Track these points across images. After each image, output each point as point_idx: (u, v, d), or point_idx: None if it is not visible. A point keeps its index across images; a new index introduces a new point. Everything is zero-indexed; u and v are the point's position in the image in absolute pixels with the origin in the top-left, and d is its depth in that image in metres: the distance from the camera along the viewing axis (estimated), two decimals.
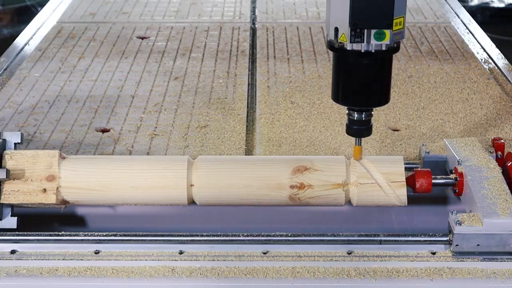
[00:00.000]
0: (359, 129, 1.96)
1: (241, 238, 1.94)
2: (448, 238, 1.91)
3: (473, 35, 3.45)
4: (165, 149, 2.38)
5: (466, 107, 2.68)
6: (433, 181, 2.02)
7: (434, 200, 2.16)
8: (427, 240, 1.93)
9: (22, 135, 2.06)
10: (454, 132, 2.49)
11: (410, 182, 2.01)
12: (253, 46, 3.32)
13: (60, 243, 1.94)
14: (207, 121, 2.58)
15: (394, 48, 1.86)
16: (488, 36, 3.44)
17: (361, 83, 1.89)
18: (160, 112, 2.65)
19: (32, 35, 3.45)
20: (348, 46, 1.83)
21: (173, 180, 1.98)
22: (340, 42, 1.84)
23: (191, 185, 1.98)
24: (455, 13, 3.75)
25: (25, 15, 5.51)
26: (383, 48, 1.83)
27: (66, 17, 3.69)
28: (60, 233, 1.96)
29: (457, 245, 1.88)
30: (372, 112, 1.95)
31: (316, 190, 1.97)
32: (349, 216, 2.15)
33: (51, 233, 1.96)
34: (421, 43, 3.34)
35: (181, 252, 1.91)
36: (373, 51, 1.83)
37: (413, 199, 2.08)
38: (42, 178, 1.97)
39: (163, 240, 1.94)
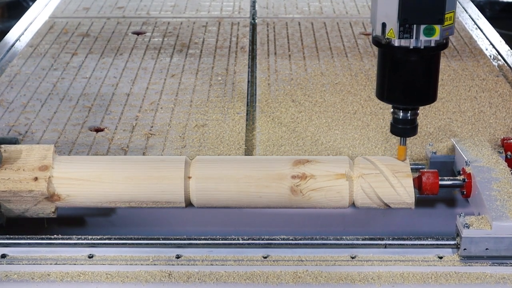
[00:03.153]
0: (404, 128, 1.96)
1: (241, 241, 1.94)
2: (455, 241, 1.91)
3: (481, 30, 3.45)
4: (161, 149, 2.39)
5: (474, 106, 2.68)
6: (440, 182, 2.02)
7: (441, 202, 2.17)
8: (433, 244, 1.93)
9: (17, 140, 2.09)
10: (462, 131, 2.49)
11: (416, 183, 2.01)
12: (253, 42, 3.33)
13: (52, 247, 1.94)
14: (205, 120, 2.58)
15: (443, 44, 1.85)
16: (497, 31, 3.44)
17: (408, 80, 1.88)
18: (157, 111, 2.66)
19: (23, 31, 3.45)
20: (396, 42, 1.83)
21: (170, 186, 1.98)
22: (388, 38, 1.84)
23: (188, 189, 1.99)
24: (463, 7, 3.75)
25: (16, 9, 5.51)
26: (432, 44, 1.83)
27: (59, 12, 3.69)
28: (52, 237, 1.96)
29: (465, 249, 1.88)
30: (418, 111, 1.95)
31: (318, 180, 1.97)
32: (352, 219, 2.15)
33: (43, 236, 1.96)
34: None
35: (178, 256, 1.91)
36: (422, 47, 1.83)
37: (419, 201, 2.08)
38: (35, 168, 1.99)
39: (159, 243, 1.95)
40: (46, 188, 1.96)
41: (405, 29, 1.81)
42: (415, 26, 1.80)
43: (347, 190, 1.97)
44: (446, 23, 1.81)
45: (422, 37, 1.81)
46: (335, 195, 1.98)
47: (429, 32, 1.81)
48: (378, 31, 1.84)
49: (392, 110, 1.96)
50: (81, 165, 2.01)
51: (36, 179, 1.97)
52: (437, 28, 1.80)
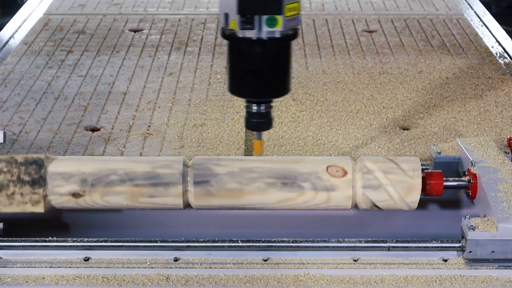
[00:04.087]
0: (258, 122, 1.96)
1: (240, 244, 1.94)
2: (460, 244, 1.91)
3: (487, 27, 3.45)
4: (159, 150, 2.39)
5: (480, 105, 2.68)
6: (445, 183, 2.02)
7: (446, 204, 2.16)
8: (438, 247, 1.93)
9: (5, 134, 2.05)
10: (467, 131, 2.49)
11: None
12: None
13: (47, 250, 1.94)
14: (204, 120, 2.58)
15: (290, 36, 1.85)
16: (504, 29, 3.44)
17: (256, 72, 1.89)
18: (154, 110, 2.66)
19: (17, 28, 3.46)
20: (240, 34, 1.84)
21: (167, 188, 1.97)
22: (231, 29, 1.84)
23: (186, 190, 1.99)
24: (468, 4, 3.75)
25: (10, 6, 5.50)
26: (277, 36, 1.83)
27: (54, 8, 3.69)
28: (47, 239, 1.96)
29: (470, 251, 1.88)
30: (272, 104, 1.95)
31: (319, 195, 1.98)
32: (355, 221, 2.15)
33: (38, 239, 1.96)
34: (432, 36, 3.34)
35: (176, 259, 1.91)
36: (265, 38, 1.83)
37: (423, 203, 2.08)
38: (28, 183, 1.96)
39: (157, 246, 1.94)
40: (43, 207, 1.96)
41: (246, 20, 1.81)
42: (257, 16, 1.80)
43: (350, 203, 1.98)
44: (289, 14, 1.80)
45: (265, 28, 1.81)
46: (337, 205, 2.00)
47: (272, 23, 1.81)
48: (222, 22, 1.85)
49: (245, 104, 1.95)
50: (76, 167, 1.99)
51: (31, 199, 1.96)
52: (280, 18, 1.80)
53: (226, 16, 1.83)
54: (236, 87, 1.93)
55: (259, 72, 1.88)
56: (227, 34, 1.87)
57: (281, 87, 1.93)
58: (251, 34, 1.83)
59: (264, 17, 1.80)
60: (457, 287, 1.83)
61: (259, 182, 1.97)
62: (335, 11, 3.67)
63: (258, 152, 2.00)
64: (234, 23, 1.82)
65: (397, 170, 1.97)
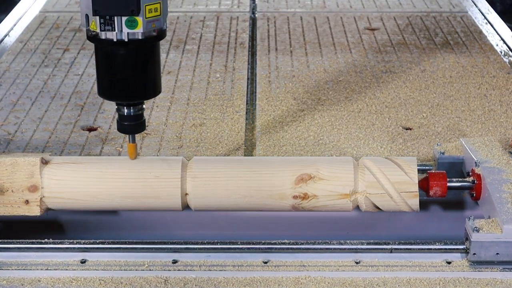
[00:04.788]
0: (130, 125, 1.96)
1: (240, 246, 1.94)
2: (464, 246, 1.91)
3: (491, 25, 3.45)
4: (157, 150, 2.39)
5: (484, 104, 2.68)
6: (449, 184, 2.02)
7: (450, 205, 2.16)
8: (442, 249, 1.93)
9: None
10: (472, 131, 2.49)
11: (423, 185, 2.01)
12: (253, 37, 3.33)
13: (43, 252, 1.94)
14: (203, 119, 2.58)
15: (153, 37, 1.86)
16: (509, 26, 3.44)
17: (120, 74, 1.89)
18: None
19: (12, 26, 3.45)
20: (102, 35, 1.84)
21: (166, 189, 1.97)
22: (93, 31, 1.85)
23: (186, 194, 1.98)
24: (472, 1, 3.75)
25: (5, 3, 5.50)
26: (139, 37, 1.84)
27: (50, 6, 3.69)
28: (43, 241, 1.96)
29: (474, 253, 1.88)
30: (144, 106, 1.95)
31: (321, 200, 1.98)
32: (357, 222, 2.15)
33: (33, 240, 1.96)
34: (436, 34, 3.34)
35: (174, 262, 1.91)
36: (126, 40, 1.83)
37: (426, 204, 2.08)
38: (24, 188, 1.97)
39: (155, 248, 1.94)
40: (39, 210, 1.97)
41: (106, 21, 1.82)
42: (116, 18, 1.81)
43: (350, 207, 1.99)
44: (150, 15, 1.81)
45: (125, 30, 1.82)
46: (338, 210, 2.00)
47: (132, 24, 1.82)
48: (83, 24, 1.85)
49: (116, 107, 1.96)
50: (73, 181, 1.99)
51: (27, 202, 1.96)
52: (139, 20, 1.81)
53: (87, 17, 1.84)
54: (104, 90, 1.94)
55: (125, 74, 1.89)
56: (90, 36, 1.87)
57: (150, 88, 1.94)
58: (112, 35, 1.84)
59: (124, 18, 1.81)
60: None
61: (259, 191, 1.98)
62: (336, 8, 3.67)
63: (133, 156, 2.00)
64: (94, 25, 1.83)
65: (398, 171, 1.97)
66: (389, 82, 2.86)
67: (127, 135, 2.00)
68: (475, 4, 3.72)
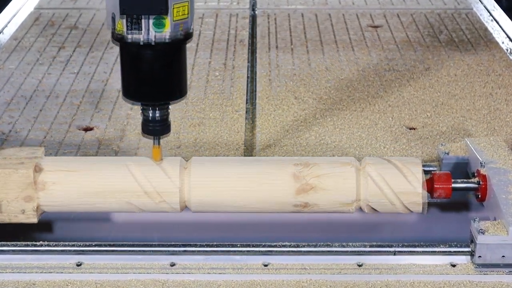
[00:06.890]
0: (155, 127, 1.96)
1: (240, 248, 1.94)
2: (470, 248, 1.91)
3: (497, 22, 3.45)
4: None
5: (490, 103, 2.68)
6: (453, 185, 2.02)
7: (454, 206, 2.17)
8: (446, 251, 1.93)
9: None
10: (477, 130, 2.49)
11: (427, 186, 2.01)
12: (252, 35, 3.33)
13: (38, 254, 1.94)
14: (202, 119, 2.58)
15: (180, 40, 1.85)
16: None
17: (146, 77, 1.89)
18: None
19: (6, 23, 3.46)
20: (128, 37, 1.83)
21: (164, 191, 1.98)
22: (119, 32, 1.84)
23: (184, 195, 1.99)
24: None
25: None
26: (166, 39, 1.83)
27: (45, 2, 3.69)
28: (38, 243, 1.96)
29: (480, 256, 1.88)
30: (169, 109, 1.95)
31: (322, 207, 1.98)
32: (359, 224, 2.15)
33: (28, 243, 1.96)
34: (440, 31, 3.34)
35: (172, 264, 1.91)
36: (153, 43, 1.83)
37: (431, 206, 2.08)
38: (19, 199, 1.97)
39: (152, 251, 1.94)
40: (37, 219, 1.98)
41: (132, 22, 1.81)
42: (143, 19, 1.80)
43: (352, 212, 1.99)
44: (178, 17, 1.80)
45: (152, 31, 1.81)
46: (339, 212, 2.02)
47: (159, 26, 1.81)
48: (109, 24, 1.84)
49: (141, 108, 1.95)
50: (69, 188, 1.99)
51: (23, 211, 1.97)
52: (167, 21, 1.80)
53: (113, 17, 1.83)
54: (129, 91, 1.93)
55: (150, 77, 1.89)
56: (116, 37, 1.86)
57: (176, 91, 1.94)
58: (139, 37, 1.83)
59: (152, 20, 1.80)
60: None
61: (260, 200, 1.98)
62: (338, 5, 3.67)
63: (157, 159, 2.00)
64: (121, 25, 1.82)
65: (401, 179, 1.97)
66: (392, 81, 2.86)
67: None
68: (480, 1, 3.72)
